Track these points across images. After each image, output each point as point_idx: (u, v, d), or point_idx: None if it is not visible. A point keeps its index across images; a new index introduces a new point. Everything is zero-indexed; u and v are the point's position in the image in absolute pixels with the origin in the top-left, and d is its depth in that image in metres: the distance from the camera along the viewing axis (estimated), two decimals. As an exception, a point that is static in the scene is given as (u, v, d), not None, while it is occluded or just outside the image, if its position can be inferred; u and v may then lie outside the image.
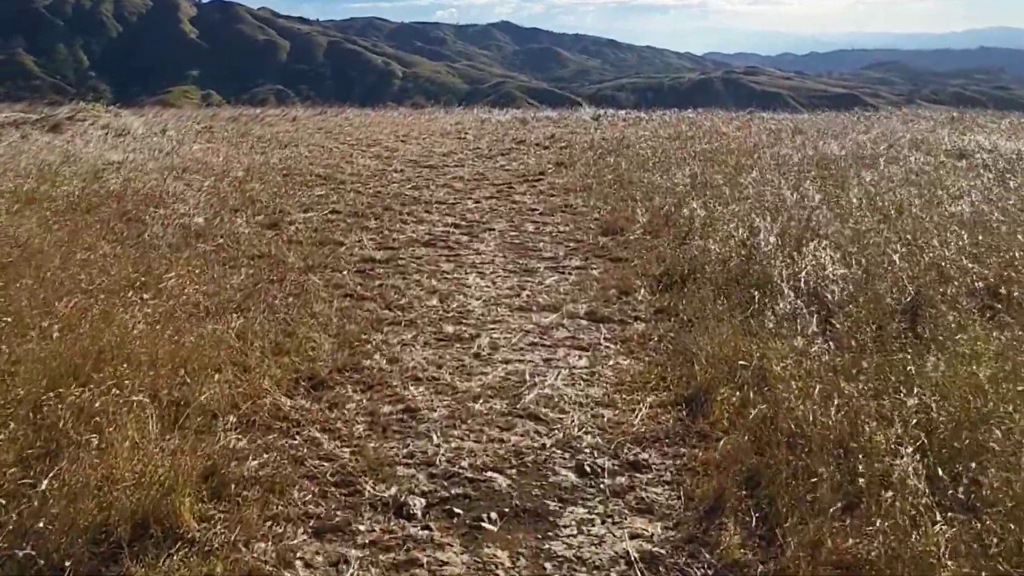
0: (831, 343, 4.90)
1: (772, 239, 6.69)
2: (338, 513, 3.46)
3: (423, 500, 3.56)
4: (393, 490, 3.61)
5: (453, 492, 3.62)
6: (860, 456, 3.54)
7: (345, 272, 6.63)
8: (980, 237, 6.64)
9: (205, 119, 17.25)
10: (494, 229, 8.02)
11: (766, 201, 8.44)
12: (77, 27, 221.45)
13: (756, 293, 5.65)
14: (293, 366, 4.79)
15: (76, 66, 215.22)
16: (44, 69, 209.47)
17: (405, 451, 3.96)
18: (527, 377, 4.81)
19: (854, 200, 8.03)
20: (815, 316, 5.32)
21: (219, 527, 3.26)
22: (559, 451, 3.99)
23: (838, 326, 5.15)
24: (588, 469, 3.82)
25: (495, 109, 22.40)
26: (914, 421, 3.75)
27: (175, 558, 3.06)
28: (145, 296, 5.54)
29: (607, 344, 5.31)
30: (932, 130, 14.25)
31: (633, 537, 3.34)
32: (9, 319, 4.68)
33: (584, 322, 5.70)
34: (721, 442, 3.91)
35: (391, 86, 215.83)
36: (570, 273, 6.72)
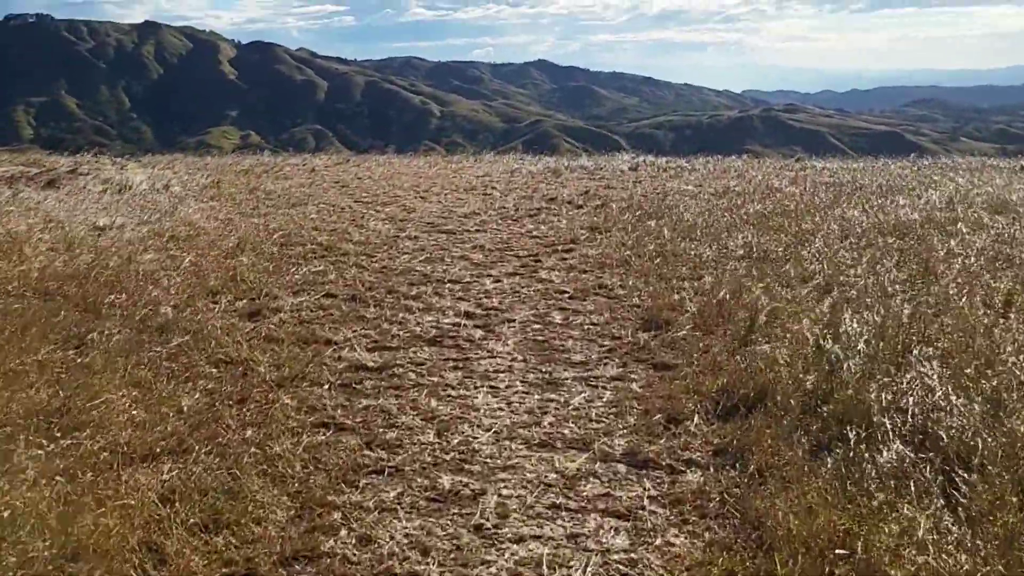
0: (961, 523, 3.56)
1: (860, 345, 5.35)
2: None
3: None
4: None
5: None
6: None
7: (326, 386, 5.37)
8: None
9: (217, 171, 16.22)
10: (514, 320, 6.73)
11: (841, 283, 7.09)
12: (119, 69, 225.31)
13: (847, 430, 4.32)
14: (225, 554, 3.53)
15: (118, 107, 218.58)
16: (86, 111, 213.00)
17: None
18: (544, 571, 3.51)
19: (951, 288, 6.66)
20: (932, 470, 3.98)
21: None
22: None
23: (964, 488, 3.81)
24: None
25: (527, 156, 21.21)
26: None
27: None
28: (57, 434, 4.33)
29: (653, 509, 3.99)
30: (1007, 184, 12.82)
31: None
32: None
33: (622, 468, 4.38)
34: None
35: (428, 124, 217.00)
36: (604, 387, 5.40)
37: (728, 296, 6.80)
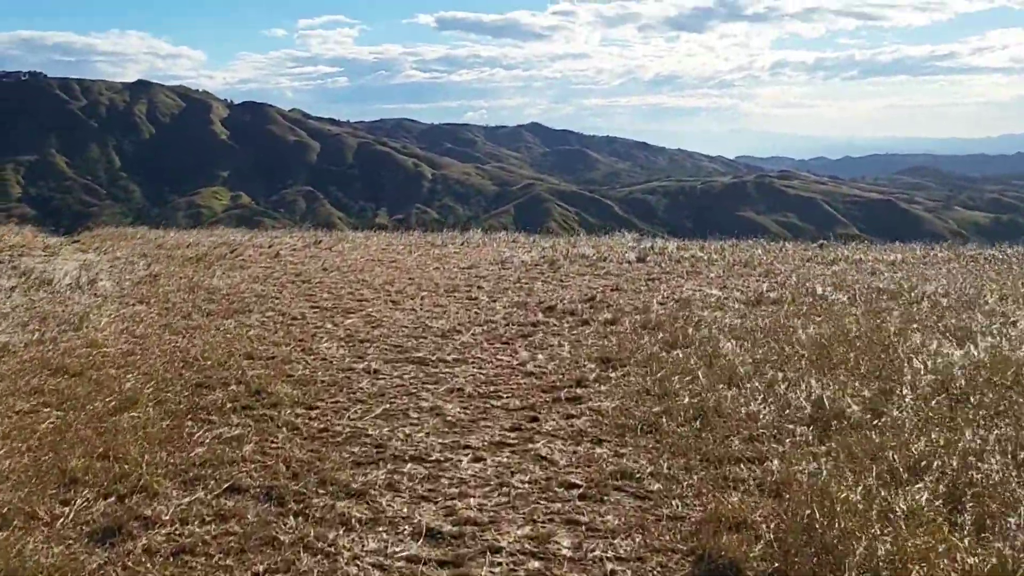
0: None
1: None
2: None
3: None
4: None
5: None
6: None
7: None
8: None
9: (165, 258, 14.07)
10: (500, 550, 4.47)
11: (971, 481, 4.89)
12: (110, 128, 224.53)
13: None
14: None
15: (108, 167, 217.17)
16: (76, 170, 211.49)
17: None
18: None
19: None
20: None
21: None
22: None
23: None
24: None
25: (520, 235, 19.17)
26: None
27: None
28: None
29: None
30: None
31: None
32: None
33: None
34: None
35: (420, 187, 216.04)
36: None
37: (816, 508, 4.57)
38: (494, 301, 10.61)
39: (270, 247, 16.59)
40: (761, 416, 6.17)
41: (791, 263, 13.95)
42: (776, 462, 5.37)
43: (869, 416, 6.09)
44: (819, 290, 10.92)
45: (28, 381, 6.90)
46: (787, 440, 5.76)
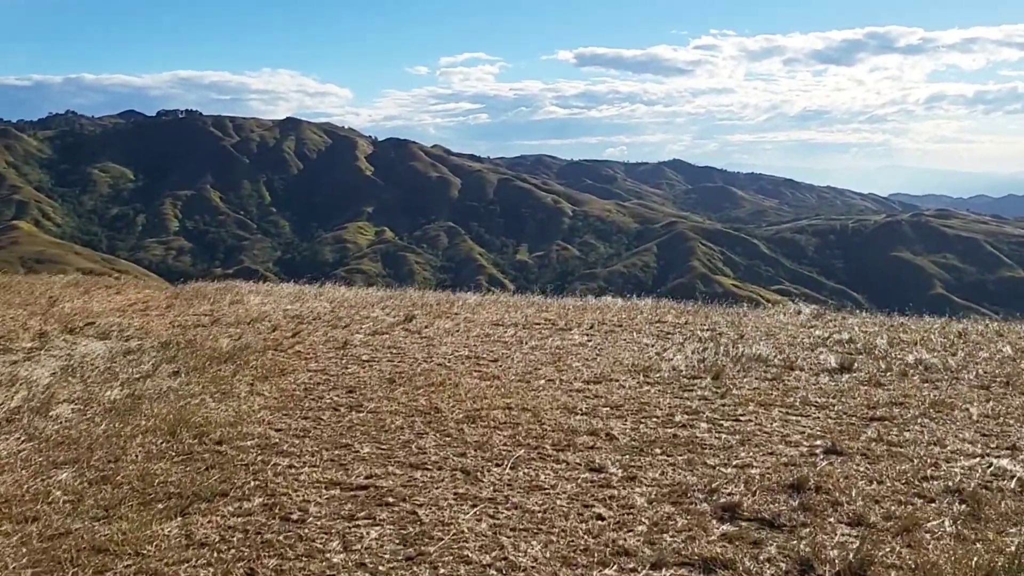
0: None
1: None
2: None
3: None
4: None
5: None
6: None
7: None
8: None
9: (185, 347, 10.44)
10: None
11: None
12: (260, 164, 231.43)
13: None
14: None
15: (259, 201, 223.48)
16: (229, 204, 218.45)
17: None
18: None
19: None
20: None
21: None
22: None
23: None
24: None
25: (666, 314, 14.83)
26: None
27: None
28: None
29: None
30: None
31: None
32: None
33: None
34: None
35: (560, 224, 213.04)
36: None
37: None
38: (631, 479, 6.28)
39: (346, 327, 12.86)
40: None
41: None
42: None
43: None
44: None
45: None
46: None
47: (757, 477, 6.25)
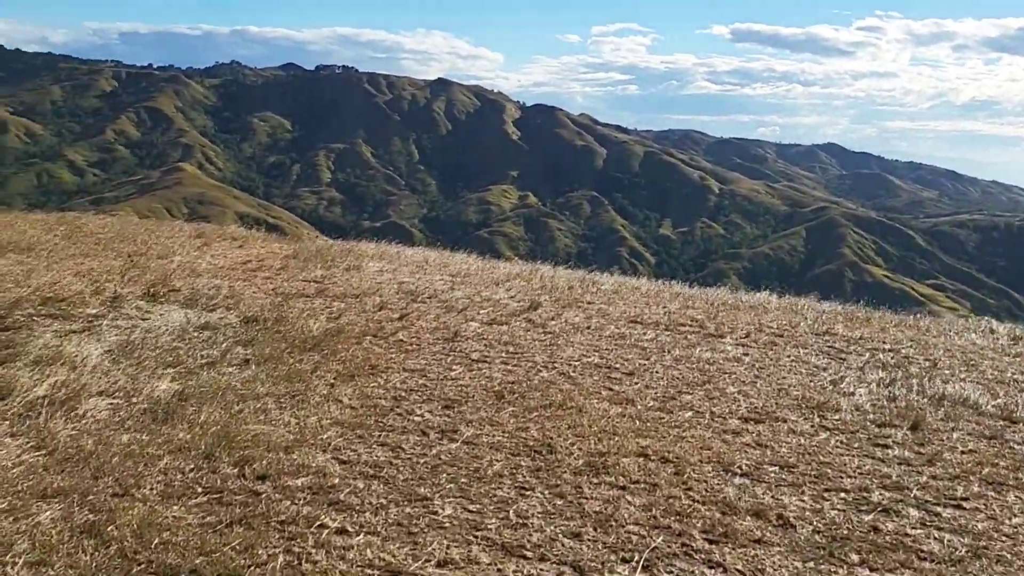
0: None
1: None
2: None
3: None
4: None
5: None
6: None
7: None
8: None
9: (267, 327, 8.95)
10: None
11: None
12: (410, 122, 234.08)
13: None
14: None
15: (408, 159, 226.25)
16: (379, 160, 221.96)
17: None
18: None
19: None
20: None
21: None
22: None
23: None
24: None
25: (835, 324, 12.55)
26: None
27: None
28: None
29: None
30: None
31: None
32: None
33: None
34: None
35: (706, 201, 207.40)
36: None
37: None
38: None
39: (462, 311, 11.18)
40: None
41: None
42: None
43: None
44: None
45: None
46: None
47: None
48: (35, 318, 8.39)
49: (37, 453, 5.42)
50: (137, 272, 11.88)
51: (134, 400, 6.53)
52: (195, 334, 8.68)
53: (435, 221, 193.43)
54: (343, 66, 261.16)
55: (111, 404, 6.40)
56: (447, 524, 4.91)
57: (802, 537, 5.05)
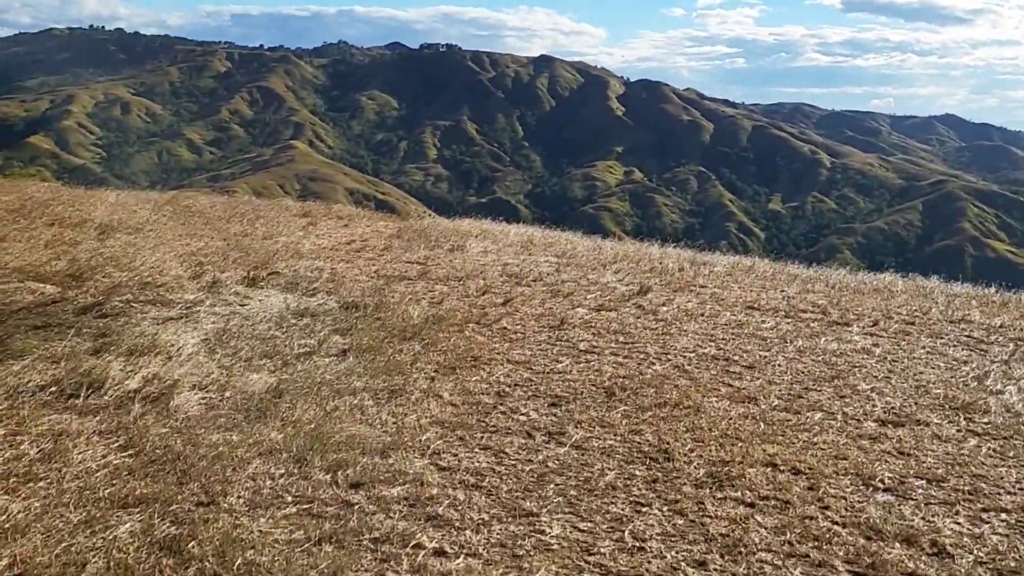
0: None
1: None
2: None
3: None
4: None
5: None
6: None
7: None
8: None
9: (369, 312, 8.61)
10: None
11: None
12: (514, 99, 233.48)
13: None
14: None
15: (512, 135, 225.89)
16: (484, 136, 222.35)
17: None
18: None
19: None
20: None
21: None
22: None
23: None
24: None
25: (971, 311, 11.60)
26: None
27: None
28: None
29: None
30: None
31: None
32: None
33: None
34: None
35: (817, 175, 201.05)
36: None
37: None
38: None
39: (568, 296, 10.68)
40: None
41: None
42: None
43: None
44: None
45: None
46: None
47: None
48: (133, 304, 8.23)
49: (124, 454, 5.16)
50: (240, 254, 11.76)
51: (227, 395, 6.25)
52: (293, 321, 8.40)
53: (540, 197, 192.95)
54: (447, 44, 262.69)
55: (203, 399, 6.12)
56: (555, 546, 4.42)
57: (962, 571, 4.39)
